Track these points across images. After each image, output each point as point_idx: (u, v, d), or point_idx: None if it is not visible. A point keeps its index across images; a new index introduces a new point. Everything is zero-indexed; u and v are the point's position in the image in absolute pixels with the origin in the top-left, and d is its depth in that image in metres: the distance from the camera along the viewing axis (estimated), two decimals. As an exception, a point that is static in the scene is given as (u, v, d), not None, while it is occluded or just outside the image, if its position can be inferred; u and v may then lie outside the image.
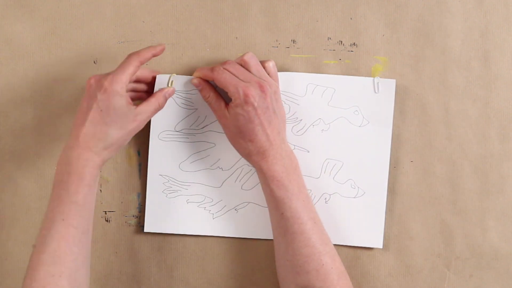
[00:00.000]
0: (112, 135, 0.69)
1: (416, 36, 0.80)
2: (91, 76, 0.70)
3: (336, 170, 0.79)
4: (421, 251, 0.80)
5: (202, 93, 0.76)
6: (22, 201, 0.80)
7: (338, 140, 0.78)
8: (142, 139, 0.80)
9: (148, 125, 0.78)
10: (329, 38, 0.80)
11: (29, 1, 0.79)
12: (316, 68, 0.80)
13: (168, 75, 0.77)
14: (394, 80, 0.78)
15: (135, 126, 0.71)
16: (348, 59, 0.80)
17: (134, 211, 0.80)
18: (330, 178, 0.79)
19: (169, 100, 0.77)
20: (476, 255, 0.81)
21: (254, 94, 0.70)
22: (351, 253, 0.80)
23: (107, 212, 0.80)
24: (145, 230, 0.79)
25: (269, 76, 0.75)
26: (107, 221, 0.80)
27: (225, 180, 0.79)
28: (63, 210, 0.66)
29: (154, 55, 0.73)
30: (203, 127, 0.78)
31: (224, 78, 0.71)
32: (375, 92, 0.78)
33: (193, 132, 0.78)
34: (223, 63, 0.73)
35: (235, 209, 0.79)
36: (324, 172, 0.79)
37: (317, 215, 0.73)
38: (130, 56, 0.71)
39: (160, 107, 0.74)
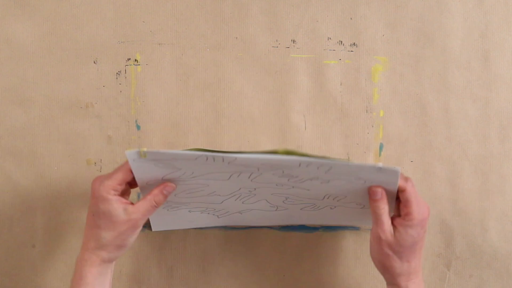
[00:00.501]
0: (105, 237, 0.70)
1: (416, 36, 0.80)
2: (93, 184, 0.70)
3: (340, 198, 0.73)
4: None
5: (378, 203, 0.70)
6: (22, 201, 0.80)
7: (339, 186, 0.71)
8: (141, 139, 0.80)
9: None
10: (329, 38, 0.80)
11: (29, 1, 0.79)
12: (316, 68, 0.80)
13: (136, 150, 0.66)
14: (399, 169, 0.67)
15: (129, 226, 0.69)
16: (348, 59, 0.80)
17: (134, 211, 0.80)
18: (334, 201, 0.74)
19: (148, 163, 0.67)
20: (476, 255, 0.81)
21: (427, 218, 0.70)
22: (351, 252, 0.80)
23: (107, 212, 0.80)
24: (153, 229, 0.77)
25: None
26: (107, 221, 0.80)
27: (225, 200, 0.74)
28: None
29: None
30: (192, 178, 0.70)
31: (416, 193, 0.70)
32: (378, 172, 0.68)
33: (182, 179, 0.70)
34: (407, 178, 0.71)
35: (240, 213, 0.78)
36: (328, 198, 0.73)
37: None
38: (125, 163, 0.69)
39: (157, 205, 0.70)
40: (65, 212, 0.80)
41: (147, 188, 0.70)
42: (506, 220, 0.80)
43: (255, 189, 0.72)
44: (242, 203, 0.76)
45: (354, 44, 0.80)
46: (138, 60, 0.80)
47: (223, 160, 0.66)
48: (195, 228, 0.80)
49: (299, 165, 0.66)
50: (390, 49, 0.80)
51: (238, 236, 0.81)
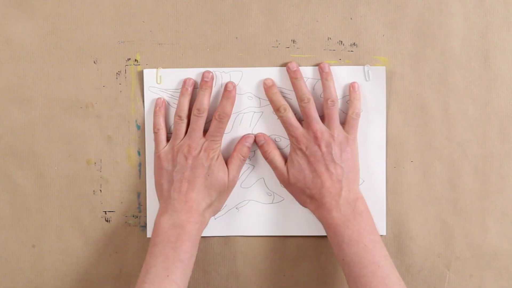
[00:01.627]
0: (217, 196, 0.74)
1: (416, 36, 0.80)
2: (187, 149, 0.74)
3: None
4: (421, 251, 0.80)
5: (263, 148, 0.78)
6: (22, 201, 0.80)
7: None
8: (141, 139, 0.80)
9: (143, 129, 0.79)
10: (329, 38, 0.80)
11: (29, 1, 0.79)
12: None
13: (154, 70, 0.78)
14: (384, 67, 0.78)
15: (231, 183, 0.76)
16: (348, 59, 0.80)
17: (134, 211, 0.80)
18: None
19: (161, 101, 0.78)
20: (476, 255, 0.81)
21: (305, 142, 0.73)
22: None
23: (107, 212, 0.80)
24: (148, 235, 0.79)
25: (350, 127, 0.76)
26: (107, 221, 0.80)
27: None
28: (169, 267, 0.70)
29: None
30: None
31: (288, 121, 0.75)
32: (366, 80, 0.79)
33: None
34: (303, 99, 0.75)
35: (236, 208, 0.79)
36: None
37: (384, 258, 0.71)
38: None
39: (244, 158, 0.77)
40: (65, 212, 0.80)
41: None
42: (506, 220, 0.80)
43: (254, 152, 0.78)
44: (240, 185, 0.79)
45: (354, 44, 0.80)
46: (138, 60, 0.80)
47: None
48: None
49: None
50: (390, 49, 0.80)
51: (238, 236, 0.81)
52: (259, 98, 0.78)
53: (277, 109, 0.76)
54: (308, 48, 0.80)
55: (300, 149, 0.74)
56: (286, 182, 0.76)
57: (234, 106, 0.78)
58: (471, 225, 0.80)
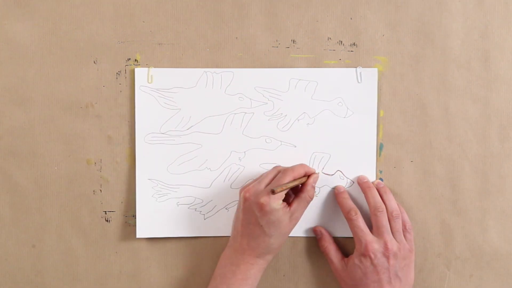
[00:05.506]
0: (274, 243, 0.74)
1: (416, 36, 0.80)
2: (246, 189, 0.74)
3: (324, 163, 0.79)
4: (421, 251, 0.80)
5: (320, 242, 0.79)
6: (22, 201, 0.80)
7: (324, 133, 0.79)
8: (142, 139, 0.80)
9: (133, 128, 0.79)
10: (329, 38, 0.80)
11: (29, 1, 0.79)
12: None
13: (146, 69, 0.78)
14: (376, 69, 0.79)
15: (292, 226, 0.75)
16: (348, 59, 0.80)
17: (134, 211, 0.80)
18: (319, 171, 0.79)
19: (153, 101, 0.78)
20: (476, 255, 0.81)
21: (375, 250, 0.73)
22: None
23: (107, 212, 0.80)
24: (137, 236, 0.80)
25: (408, 240, 0.77)
26: (107, 221, 0.80)
27: (214, 180, 0.79)
28: None
29: (306, 173, 0.76)
30: (188, 128, 0.79)
31: (357, 225, 0.75)
32: (358, 82, 0.79)
33: (179, 133, 0.79)
34: (378, 207, 0.75)
35: (226, 208, 0.79)
36: (312, 166, 0.79)
37: None
38: (285, 171, 0.74)
39: (311, 198, 0.76)
40: (65, 212, 0.80)
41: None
42: (506, 220, 0.80)
43: (244, 153, 0.78)
44: (230, 186, 0.79)
45: (354, 44, 0.80)
46: (138, 60, 0.80)
47: (221, 86, 0.78)
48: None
49: (289, 85, 0.78)
50: (390, 49, 0.80)
51: (238, 236, 0.81)
52: (250, 99, 0.78)
53: (347, 212, 0.76)
54: (308, 48, 0.80)
55: (368, 256, 0.73)
56: (341, 278, 0.77)
57: (225, 106, 0.78)
58: (471, 225, 0.80)
